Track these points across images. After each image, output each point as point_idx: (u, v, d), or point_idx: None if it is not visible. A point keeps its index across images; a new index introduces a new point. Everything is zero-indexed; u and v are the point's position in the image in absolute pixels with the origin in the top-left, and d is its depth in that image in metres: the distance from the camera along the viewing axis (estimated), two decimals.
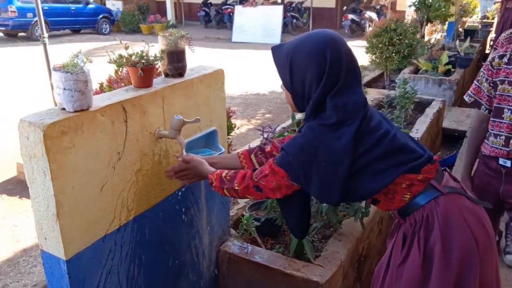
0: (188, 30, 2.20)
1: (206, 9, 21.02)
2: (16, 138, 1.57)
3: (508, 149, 2.40)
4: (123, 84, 2.97)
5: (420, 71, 7.47)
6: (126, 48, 1.89)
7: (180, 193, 2.21)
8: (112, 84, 3.08)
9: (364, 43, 7.97)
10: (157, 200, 2.06)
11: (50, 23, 16.45)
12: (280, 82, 1.68)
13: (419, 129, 4.50)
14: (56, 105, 1.64)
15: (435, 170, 1.63)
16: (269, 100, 8.66)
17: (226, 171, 1.83)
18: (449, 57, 7.61)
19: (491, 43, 10.49)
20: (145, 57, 1.89)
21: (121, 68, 2.81)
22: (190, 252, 2.37)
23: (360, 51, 8.31)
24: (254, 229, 2.65)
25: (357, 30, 17.91)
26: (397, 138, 1.59)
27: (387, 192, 1.61)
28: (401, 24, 7.39)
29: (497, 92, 2.40)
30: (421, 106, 5.42)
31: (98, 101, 1.71)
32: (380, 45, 7.37)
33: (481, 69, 2.55)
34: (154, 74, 2.03)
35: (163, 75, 2.14)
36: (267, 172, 1.66)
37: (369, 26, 16.50)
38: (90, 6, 18.82)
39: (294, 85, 1.61)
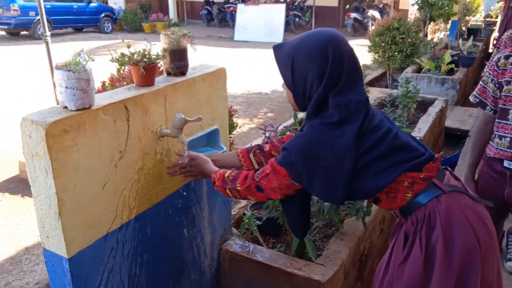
0: (190, 28, 2.20)
1: (208, 8, 21.03)
2: (18, 136, 1.57)
3: None
4: (125, 83, 2.97)
5: (423, 70, 7.46)
6: (128, 46, 1.89)
7: (181, 192, 2.21)
8: (114, 83, 3.08)
9: (366, 42, 7.96)
10: (158, 198, 2.07)
11: (53, 22, 16.44)
12: (281, 81, 1.68)
13: (421, 129, 4.49)
14: (58, 103, 1.64)
15: (437, 168, 1.62)
16: (271, 99, 8.66)
17: (229, 171, 1.83)
18: (452, 56, 7.59)
19: (494, 42, 10.46)
20: (147, 56, 1.89)
21: (123, 67, 2.82)
22: (192, 251, 2.37)
23: (363, 50, 8.30)
24: (256, 228, 2.65)
25: (360, 29, 17.88)
26: (399, 137, 1.59)
27: (389, 191, 1.61)
28: (404, 23, 7.38)
29: (503, 93, 2.36)
30: (423, 105, 5.41)
31: (100, 100, 1.72)
32: (383, 44, 7.36)
33: (487, 70, 2.52)
34: (156, 73, 2.03)
35: (165, 74, 2.14)
36: (268, 171, 1.66)
37: (372, 25, 16.51)
38: (92, 4, 18.82)
39: (295, 84, 1.61)
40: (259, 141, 3.77)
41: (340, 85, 1.54)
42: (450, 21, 9.72)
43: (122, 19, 19.98)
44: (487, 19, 14.05)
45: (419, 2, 8.78)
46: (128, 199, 1.88)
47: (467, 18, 12.57)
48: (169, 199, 2.13)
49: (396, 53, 7.33)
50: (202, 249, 2.45)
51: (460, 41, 8.30)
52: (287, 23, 18.10)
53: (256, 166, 1.98)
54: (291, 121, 4.43)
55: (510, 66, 2.34)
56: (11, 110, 7.44)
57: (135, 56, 1.88)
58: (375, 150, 1.55)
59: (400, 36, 7.27)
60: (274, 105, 8.25)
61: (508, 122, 2.36)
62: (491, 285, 1.66)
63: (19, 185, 4.99)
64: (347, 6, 19.38)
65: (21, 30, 16.94)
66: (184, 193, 2.23)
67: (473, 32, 10.66)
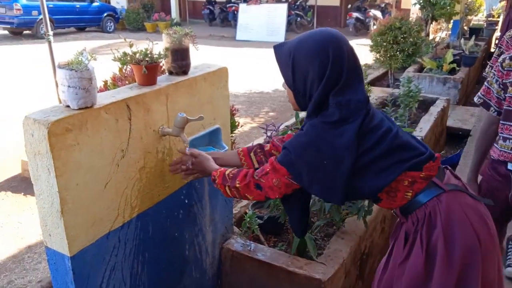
0: (192, 28, 2.21)
1: (211, 7, 21.06)
2: (21, 135, 1.58)
3: None
4: (127, 82, 2.98)
5: (425, 69, 7.46)
6: (131, 46, 1.90)
7: (183, 190, 2.22)
8: (116, 82, 3.09)
9: (368, 41, 7.95)
10: (160, 197, 2.07)
11: (55, 21, 16.48)
12: (283, 80, 1.69)
13: (423, 128, 4.49)
14: (60, 102, 1.65)
15: (437, 167, 1.63)
16: (273, 99, 8.67)
17: (230, 169, 1.83)
18: (454, 55, 7.59)
19: (496, 41, 10.45)
20: (149, 55, 1.90)
21: (125, 66, 2.82)
22: (193, 250, 2.38)
23: (365, 50, 8.30)
24: (257, 227, 2.66)
25: (362, 28, 17.88)
26: (399, 136, 1.60)
27: (389, 190, 1.61)
28: (405, 22, 7.37)
29: (507, 94, 2.33)
30: (425, 105, 5.40)
31: (102, 99, 1.72)
32: (385, 44, 7.36)
33: (492, 70, 2.49)
34: (158, 72, 2.03)
35: (167, 73, 2.15)
36: (268, 170, 1.66)
37: (374, 24, 16.47)
38: (95, 4, 18.86)
39: (296, 83, 1.61)
40: (260, 140, 3.78)
41: (341, 84, 1.54)
42: (452, 21, 9.71)
43: (124, 18, 20.00)
44: (489, 19, 14.03)
45: (421, 1, 8.78)
46: (130, 197, 1.89)
47: (469, 17, 12.59)
48: (170, 198, 2.14)
49: (397, 52, 7.33)
50: (203, 247, 2.46)
51: (462, 40, 8.29)
52: (289, 23, 18.10)
53: (257, 165, 1.98)
54: (293, 120, 4.44)
55: None
56: (14, 109, 7.46)
57: (137, 55, 1.89)
58: (376, 150, 1.55)
59: (402, 36, 7.27)
60: (276, 105, 8.26)
61: None
62: (492, 284, 1.65)
63: (21, 184, 5.00)
64: (349, 6, 19.37)
65: (23, 30, 16.97)
66: (186, 192, 2.24)
67: (475, 31, 10.63)
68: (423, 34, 8.10)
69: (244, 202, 3.14)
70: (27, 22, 16.35)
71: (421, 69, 7.59)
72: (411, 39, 7.31)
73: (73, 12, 17.96)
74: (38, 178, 1.60)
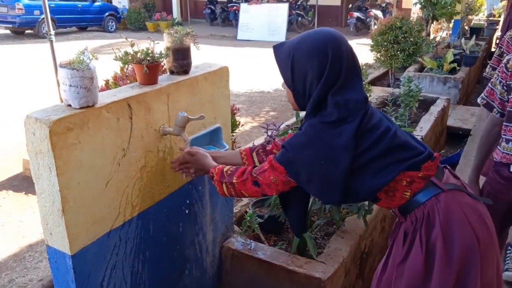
0: (194, 27, 2.21)
1: (212, 7, 21.06)
2: (22, 134, 1.59)
3: None
4: (128, 81, 2.99)
5: (425, 69, 7.46)
6: (132, 45, 1.91)
7: (184, 189, 2.22)
8: (117, 81, 3.10)
9: (369, 41, 7.95)
10: (161, 196, 2.08)
11: (57, 21, 16.49)
12: (282, 80, 1.69)
13: (423, 127, 4.50)
14: (62, 101, 1.66)
15: (436, 167, 1.63)
16: (273, 98, 8.67)
17: (228, 166, 1.84)
18: (455, 55, 7.58)
19: (497, 41, 10.45)
20: (151, 55, 1.91)
21: (126, 65, 2.83)
22: (194, 248, 2.39)
23: (365, 49, 8.30)
24: (257, 226, 2.67)
25: (363, 28, 17.88)
26: (397, 136, 1.60)
27: (388, 190, 1.61)
28: (406, 22, 7.37)
29: (511, 96, 2.31)
30: (425, 104, 5.41)
31: (104, 98, 1.73)
32: (385, 43, 7.36)
33: (496, 71, 2.47)
34: (159, 71, 2.04)
35: (168, 72, 2.15)
36: (266, 167, 1.67)
37: (375, 24, 16.47)
38: (97, 3, 18.85)
39: (295, 83, 1.62)
40: (261, 139, 3.79)
41: (339, 83, 1.54)
42: (452, 20, 9.71)
43: (126, 18, 20.00)
44: (490, 18, 14.02)
45: (422, 1, 8.77)
46: (131, 196, 1.90)
47: (470, 17, 12.58)
48: (171, 196, 2.15)
49: (398, 52, 7.33)
50: (204, 246, 2.46)
51: (463, 40, 8.29)
52: (289, 22, 18.11)
53: (258, 165, 1.99)
54: (293, 119, 4.45)
55: None
56: (16, 108, 7.46)
57: (139, 54, 1.90)
58: (374, 149, 1.55)
59: (403, 35, 7.27)
60: (277, 104, 8.26)
61: None
62: (491, 283, 1.66)
63: (23, 183, 5.01)
64: (350, 5, 19.37)
65: (25, 29, 16.96)
66: (187, 191, 2.25)
67: (476, 31, 10.63)
68: (423, 33, 8.10)
69: (245, 201, 3.15)
70: (29, 22, 16.35)
71: (421, 68, 7.60)
72: (411, 39, 7.31)
73: (75, 12, 17.96)
74: (39, 177, 1.61)
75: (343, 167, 1.53)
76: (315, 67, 1.55)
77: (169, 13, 20.35)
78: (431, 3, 8.67)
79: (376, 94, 5.59)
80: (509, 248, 3.23)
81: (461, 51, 7.91)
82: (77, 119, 1.58)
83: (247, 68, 11.35)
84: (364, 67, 5.14)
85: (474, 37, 8.49)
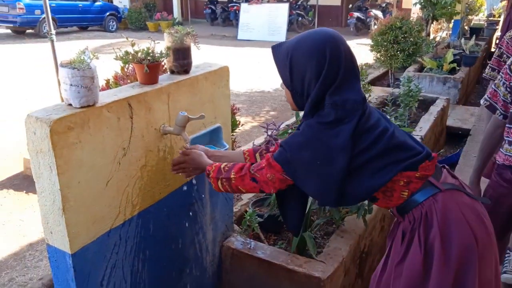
0: (194, 27, 2.22)
1: (212, 7, 21.08)
2: (23, 134, 1.59)
3: None
4: (129, 81, 2.99)
5: (425, 69, 7.47)
6: (133, 45, 1.91)
7: (184, 188, 2.23)
8: (118, 81, 3.11)
9: (369, 41, 7.96)
10: (161, 195, 2.09)
11: (58, 20, 16.51)
12: (281, 81, 1.70)
13: (422, 127, 4.50)
14: (63, 101, 1.67)
15: (433, 167, 1.63)
16: (273, 98, 8.67)
17: (225, 163, 1.84)
18: (454, 55, 7.59)
19: (497, 41, 10.45)
20: (151, 54, 1.91)
21: (127, 65, 2.84)
22: (194, 248, 2.39)
23: (365, 49, 8.31)
24: (257, 225, 2.68)
25: (363, 28, 17.88)
26: (395, 136, 1.60)
27: (386, 190, 1.62)
28: (406, 22, 7.38)
29: None
30: (425, 104, 5.42)
31: (104, 97, 1.74)
32: (385, 43, 7.36)
33: (500, 73, 2.44)
34: (160, 71, 2.05)
35: (168, 72, 2.16)
36: (263, 165, 1.68)
37: (375, 24, 16.48)
38: (98, 3, 18.86)
39: (293, 83, 1.63)
40: (261, 139, 3.79)
41: (337, 83, 1.55)
42: (452, 20, 9.72)
43: (127, 18, 20.02)
44: (489, 18, 14.02)
45: (422, 1, 8.78)
46: (131, 195, 1.90)
47: (470, 17, 12.58)
48: (171, 196, 2.15)
49: (398, 52, 7.33)
50: (204, 245, 2.47)
51: (463, 40, 8.31)
52: (290, 22, 18.12)
53: None
54: (293, 119, 4.45)
55: None
56: (17, 108, 7.47)
57: (139, 54, 1.90)
58: (372, 150, 1.56)
59: (403, 35, 7.27)
60: (277, 104, 8.26)
61: None
62: (489, 283, 1.66)
63: (23, 182, 5.02)
64: (350, 5, 19.37)
65: (26, 29, 16.96)
66: (187, 190, 2.25)
67: (476, 31, 10.64)
68: (423, 33, 8.11)
69: (245, 200, 3.15)
70: (29, 21, 16.36)
71: (421, 68, 7.61)
72: (411, 39, 7.32)
73: (75, 11, 17.97)
74: (40, 176, 1.61)
75: (340, 168, 1.54)
76: (313, 67, 1.55)
77: (170, 13, 20.37)
78: (431, 3, 8.68)
79: (376, 94, 5.60)
80: (508, 252, 3.23)
81: (461, 51, 7.92)
82: (78, 118, 1.59)
83: (248, 68, 11.35)
84: (364, 67, 5.16)
85: (474, 37, 8.51)
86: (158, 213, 2.09)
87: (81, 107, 1.61)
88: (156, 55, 1.93)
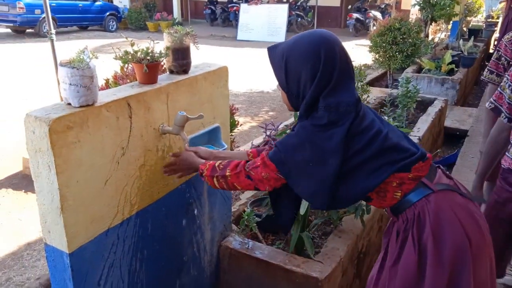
0: (194, 27, 2.22)
1: (212, 7, 21.10)
2: (22, 133, 1.60)
3: None
4: (128, 81, 3.00)
5: (423, 70, 7.48)
6: (132, 45, 1.91)
7: (182, 188, 2.23)
8: (117, 80, 3.11)
9: (368, 42, 7.97)
10: (160, 195, 2.09)
11: (58, 20, 16.49)
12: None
13: (420, 128, 4.51)
14: (62, 100, 1.67)
15: (427, 167, 1.63)
16: (272, 98, 8.68)
17: (219, 161, 1.85)
18: (453, 56, 7.61)
19: (495, 43, 10.46)
20: (150, 54, 1.92)
21: (126, 65, 2.84)
22: (192, 247, 2.40)
23: (364, 50, 8.32)
24: (255, 225, 2.68)
25: (362, 29, 17.89)
26: (389, 138, 1.60)
27: (379, 190, 1.62)
28: (405, 23, 7.40)
29: None
30: (423, 105, 5.43)
31: (104, 97, 1.74)
32: (384, 44, 7.38)
33: (505, 75, 2.40)
34: (159, 71, 2.05)
35: (168, 72, 2.17)
36: (258, 163, 1.69)
37: (374, 25, 16.51)
38: (98, 3, 18.85)
39: (289, 84, 1.63)
40: (260, 139, 3.80)
41: (332, 85, 1.55)
42: (451, 22, 9.73)
43: (126, 17, 20.01)
44: (488, 20, 14.04)
45: (421, 2, 8.79)
46: (129, 195, 1.90)
47: (468, 18, 12.59)
48: (170, 195, 2.16)
49: (396, 53, 7.35)
50: (202, 245, 2.47)
51: (461, 41, 8.32)
52: (289, 23, 18.13)
53: None
54: (292, 119, 4.47)
55: None
56: (16, 108, 7.47)
57: (139, 54, 1.91)
58: (366, 151, 1.56)
59: (401, 37, 7.29)
60: (276, 104, 8.27)
61: None
62: (484, 283, 1.66)
63: (22, 181, 5.02)
64: (349, 6, 19.37)
65: (26, 28, 16.93)
66: (185, 190, 2.26)
67: (474, 32, 10.66)
68: (422, 35, 8.13)
69: (243, 200, 3.16)
70: (30, 21, 16.33)
71: (419, 69, 7.62)
72: (410, 40, 7.34)
73: (75, 11, 17.96)
74: (38, 175, 1.61)
75: (332, 170, 1.54)
76: (308, 69, 1.56)
77: (170, 13, 20.38)
78: (430, 5, 8.69)
79: (374, 94, 5.61)
80: None
81: (459, 52, 7.93)
82: (77, 117, 1.59)
83: (247, 68, 11.36)
84: (362, 68, 5.16)
85: (472, 38, 8.53)
86: (157, 212, 2.09)
87: (80, 107, 1.61)
88: (156, 55, 1.94)
